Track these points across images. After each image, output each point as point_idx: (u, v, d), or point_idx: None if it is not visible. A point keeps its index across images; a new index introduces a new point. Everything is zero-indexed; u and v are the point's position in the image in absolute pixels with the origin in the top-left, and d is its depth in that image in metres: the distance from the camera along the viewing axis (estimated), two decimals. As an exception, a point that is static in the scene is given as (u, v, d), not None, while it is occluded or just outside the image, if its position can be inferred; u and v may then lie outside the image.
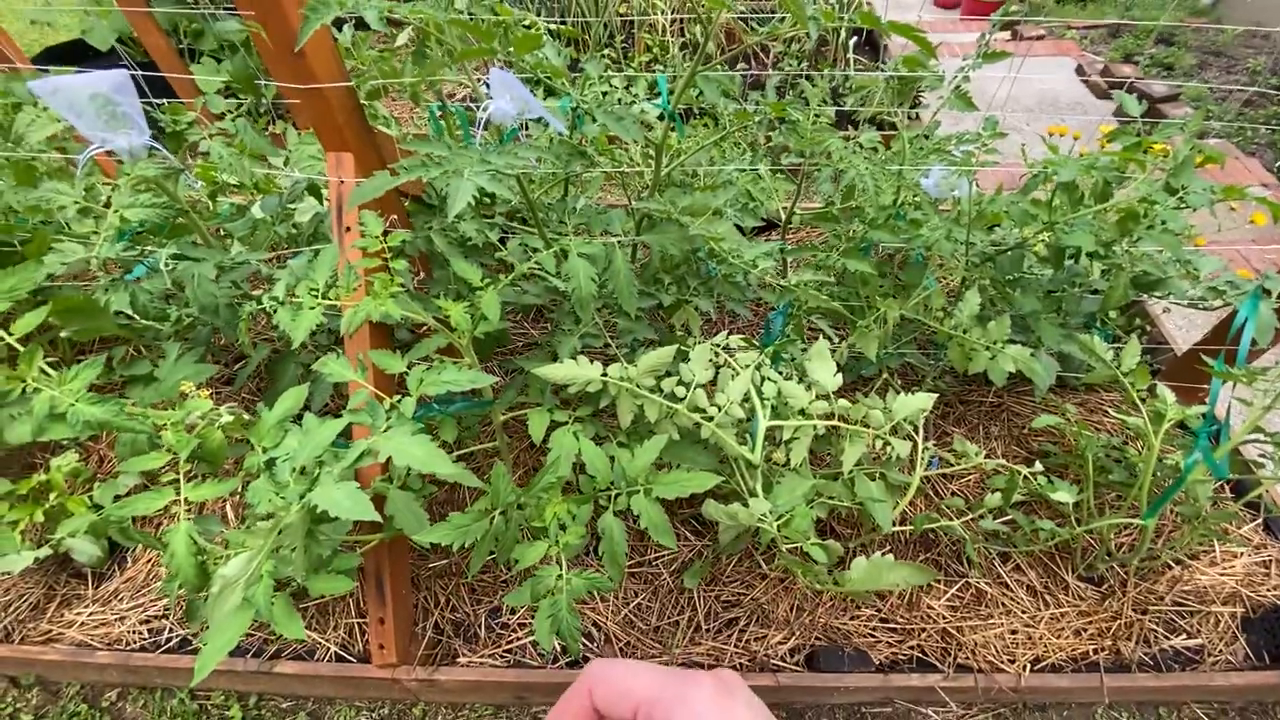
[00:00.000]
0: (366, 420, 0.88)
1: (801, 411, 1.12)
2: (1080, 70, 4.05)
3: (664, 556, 1.49)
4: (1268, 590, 1.45)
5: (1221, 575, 1.46)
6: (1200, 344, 1.63)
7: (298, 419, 0.92)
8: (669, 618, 1.42)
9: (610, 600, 1.44)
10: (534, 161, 0.86)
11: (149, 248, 1.31)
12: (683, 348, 1.22)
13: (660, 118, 1.07)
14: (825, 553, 1.10)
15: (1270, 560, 1.49)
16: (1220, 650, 1.38)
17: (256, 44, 0.99)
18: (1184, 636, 1.40)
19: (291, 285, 0.97)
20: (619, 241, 1.03)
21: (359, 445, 0.83)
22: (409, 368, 0.99)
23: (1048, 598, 1.43)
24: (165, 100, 1.23)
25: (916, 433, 1.24)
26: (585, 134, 1.03)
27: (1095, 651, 1.37)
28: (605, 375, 1.09)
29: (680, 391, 1.12)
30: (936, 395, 1.13)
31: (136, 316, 1.26)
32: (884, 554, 1.06)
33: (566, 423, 1.15)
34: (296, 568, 0.81)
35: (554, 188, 1.18)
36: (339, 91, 1.04)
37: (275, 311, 0.95)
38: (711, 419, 1.12)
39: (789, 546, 1.11)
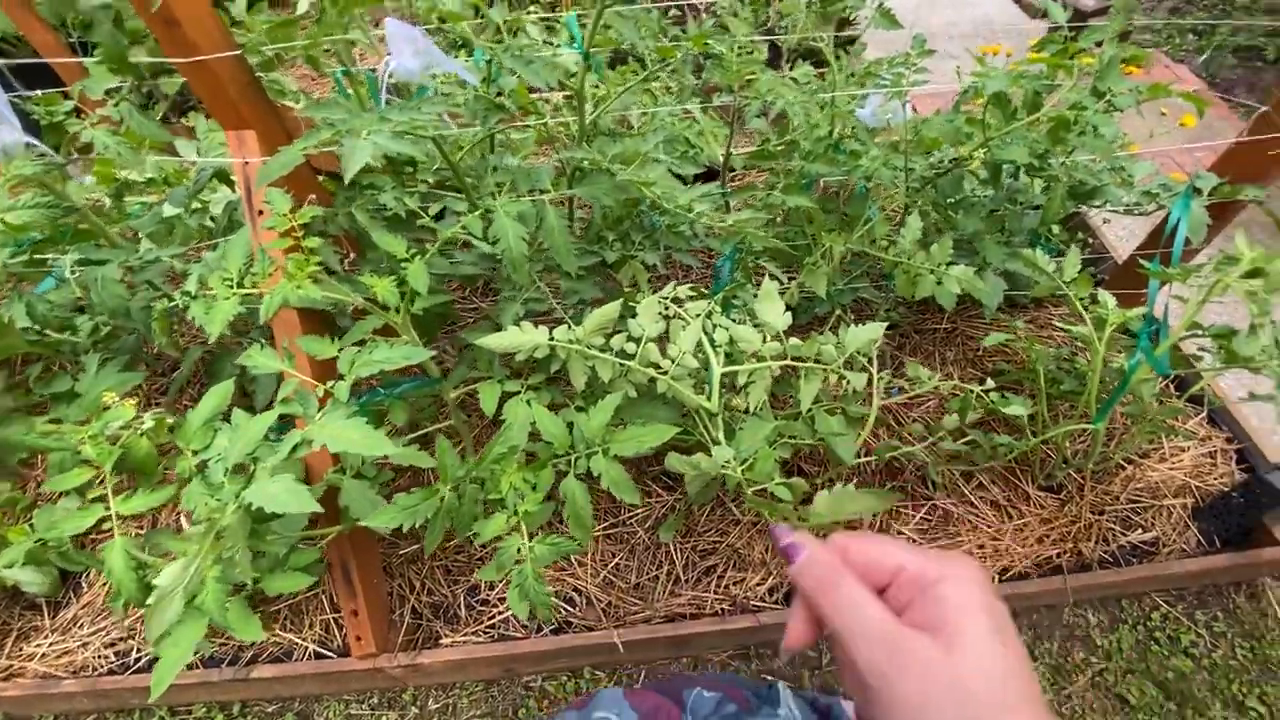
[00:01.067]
0: (299, 410, 0.84)
1: (755, 355, 1.11)
2: (1013, -10, 4.03)
3: (638, 515, 1.49)
4: (1214, 479, 1.51)
5: (1171, 470, 1.52)
6: (1140, 249, 1.66)
7: (228, 417, 0.88)
8: (648, 574, 1.43)
9: (589, 564, 1.44)
10: (444, 117, 0.81)
11: (52, 255, 1.22)
12: (630, 303, 1.19)
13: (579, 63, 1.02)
14: (790, 491, 1.10)
15: (1215, 451, 1.55)
16: (1174, 540, 1.45)
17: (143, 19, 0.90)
18: (1140, 531, 1.46)
19: (204, 277, 0.91)
20: (549, 198, 0.98)
21: (293, 436, 0.79)
22: (341, 351, 0.94)
23: (1011, 510, 1.48)
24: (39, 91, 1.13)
25: (871, 364, 1.25)
26: (503, 86, 0.97)
27: (1058, 555, 1.42)
28: (552, 339, 1.05)
29: (631, 348, 1.09)
30: (887, 325, 1.13)
31: (48, 330, 1.18)
32: (845, 485, 1.06)
33: (519, 392, 1.12)
34: (243, 570, 0.77)
35: (478, 147, 1.12)
36: (226, 63, 0.96)
37: (188, 307, 0.89)
38: (665, 372, 1.10)
39: (755, 489, 1.11)
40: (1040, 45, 1.25)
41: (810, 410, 1.25)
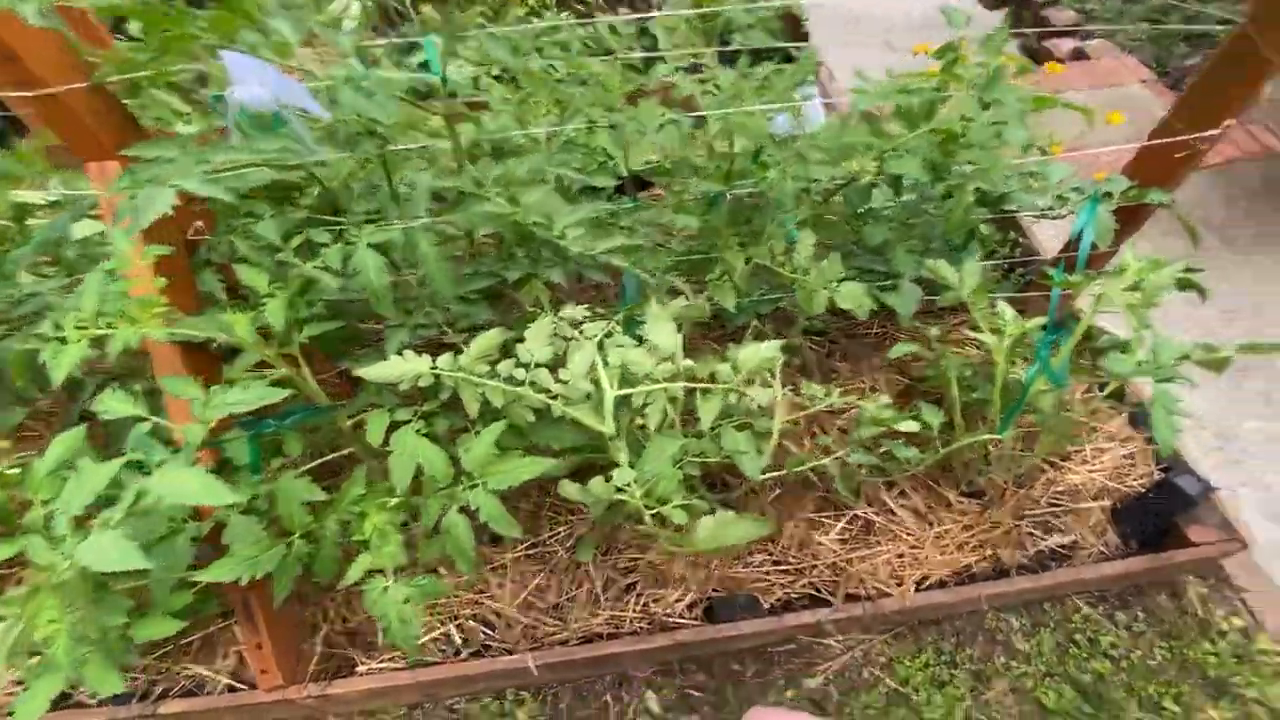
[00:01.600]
0: (142, 456, 0.81)
1: (648, 376, 1.09)
2: (967, -19, 4.01)
3: (559, 534, 1.48)
4: (1134, 480, 1.52)
5: (1091, 473, 1.52)
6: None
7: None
8: (567, 593, 1.42)
9: (508, 585, 1.42)
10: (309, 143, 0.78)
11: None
12: (530, 325, 1.17)
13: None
14: (688, 513, 1.09)
15: (1134, 452, 1.56)
16: (1092, 544, 1.45)
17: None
18: (1059, 535, 1.46)
19: (58, 319, 0.88)
20: (421, 225, 0.96)
21: (133, 488, 0.76)
22: (210, 390, 0.91)
23: (932, 518, 1.48)
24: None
25: (774, 378, 1.23)
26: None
27: (977, 563, 1.42)
28: (435, 367, 1.03)
29: (521, 374, 1.07)
30: (783, 343, 1.12)
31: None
32: (726, 512, 1.05)
33: (410, 421, 1.10)
34: (87, 626, 0.75)
35: (368, 172, 1.09)
36: (78, 95, 0.93)
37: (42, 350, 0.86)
38: (556, 397, 1.08)
39: (652, 511, 1.10)
40: (940, 53, 1.24)
41: (715, 428, 1.24)
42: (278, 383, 1.00)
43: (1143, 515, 1.42)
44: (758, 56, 2.40)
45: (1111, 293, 0.99)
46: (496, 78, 1.12)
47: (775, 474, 1.28)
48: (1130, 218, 1.45)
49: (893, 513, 1.49)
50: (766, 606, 1.38)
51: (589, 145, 1.38)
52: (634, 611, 1.38)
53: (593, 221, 0.99)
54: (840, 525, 1.47)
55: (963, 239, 1.67)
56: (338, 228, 0.90)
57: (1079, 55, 3.47)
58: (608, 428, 1.10)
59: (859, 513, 1.48)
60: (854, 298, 1.09)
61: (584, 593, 1.41)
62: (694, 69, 1.38)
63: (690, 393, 1.20)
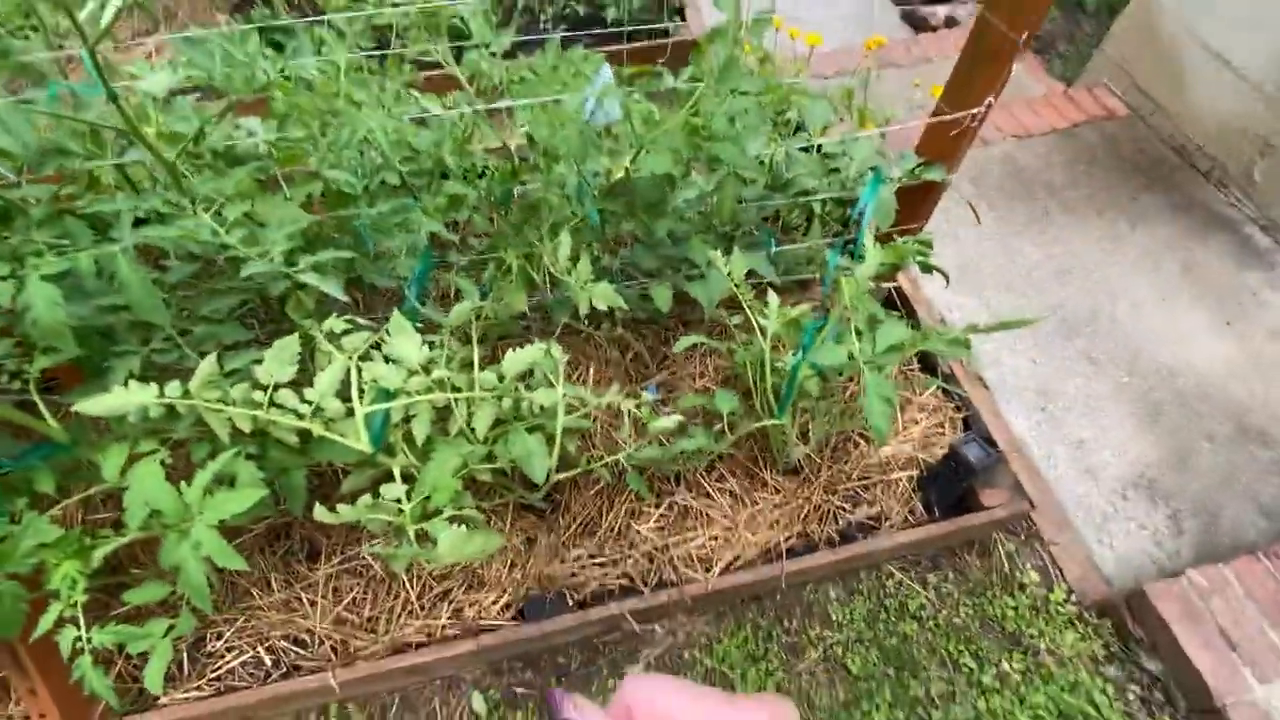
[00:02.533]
0: None
1: (396, 392, 1.06)
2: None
3: (377, 545, 1.46)
4: (940, 449, 1.58)
5: (901, 444, 1.58)
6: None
7: None
8: (383, 605, 1.40)
9: (320, 603, 1.40)
10: None
11: None
12: (307, 338, 1.13)
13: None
14: (450, 539, 1.08)
15: (944, 420, 1.62)
16: (897, 513, 1.51)
17: None
18: (867, 507, 1.51)
19: None
20: (121, 248, 0.90)
21: None
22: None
23: (747, 499, 1.51)
24: None
25: (557, 378, 1.23)
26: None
27: (786, 540, 1.47)
28: (163, 397, 0.98)
29: (259, 396, 1.03)
30: (550, 343, 1.11)
31: None
32: (460, 528, 1.04)
33: (154, 451, 1.05)
34: None
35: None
36: None
37: None
38: (304, 417, 1.05)
39: (417, 529, 1.09)
40: (710, 37, 1.22)
41: (503, 433, 1.22)
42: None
43: (942, 484, 1.48)
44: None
45: (855, 282, 1.01)
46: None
47: (568, 474, 1.28)
48: (925, 195, 1.48)
49: (710, 496, 1.51)
50: (579, 600, 1.39)
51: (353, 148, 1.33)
52: (446, 618, 1.37)
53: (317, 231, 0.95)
54: (658, 513, 1.49)
55: (788, 216, 1.69)
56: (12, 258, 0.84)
57: (951, 22, 3.53)
58: (364, 445, 1.07)
59: (677, 499, 1.50)
60: (606, 297, 1.09)
61: (399, 603, 1.40)
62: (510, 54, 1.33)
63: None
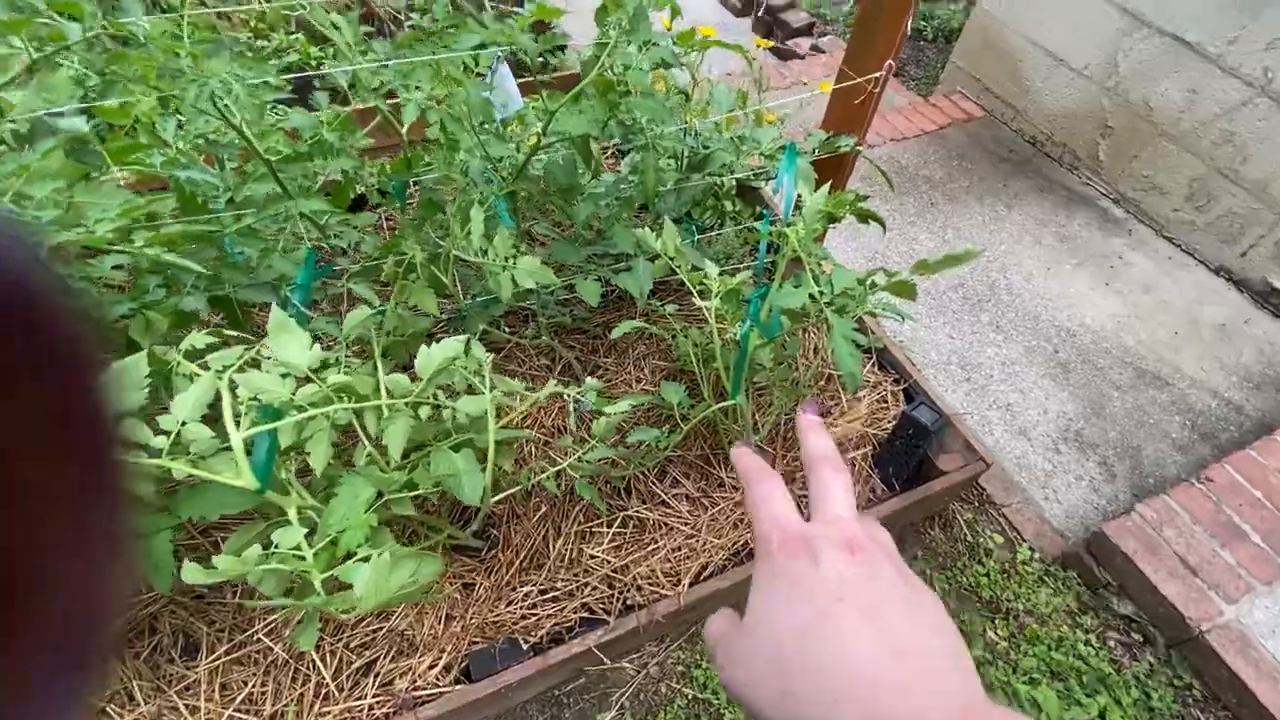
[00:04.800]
0: None
1: (283, 408, 0.87)
2: (711, -9, 4.24)
3: (269, 625, 1.19)
4: (889, 423, 1.54)
5: (850, 422, 1.52)
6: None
7: None
8: (289, 695, 1.13)
9: (203, 707, 1.11)
10: None
11: None
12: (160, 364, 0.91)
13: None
14: (366, 571, 0.87)
15: (886, 394, 1.59)
16: (858, 493, 1.44)
17: None
18: (828, 492, 1.43)
19: None
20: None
21: None
22: None
23: (705, 501, 1.39)
24: None
25: (484, 382, 1.06)
26: None
27: (752, 538, 1.34)
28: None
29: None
30: (470, 339, 0.96)
31: None
32: (382, 556, 0.85)
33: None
34: None
35: None
36: None
37: None
38: (162, 454, 0.82)
39: (326, 578, 0.87)
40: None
41: (424, 455, 1.04)
42: None
43: (897, 454, 1.43)
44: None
45: (801, 228, 0.94)
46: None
47: (504, 494, 1.10)
48: (836, 167, 1.48)
49: (666, 504, 1.37)
50: (535, 644, 1.19)
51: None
52: (373, 695, 1.13)
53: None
54: (612, 532, 1.33)
55: (699, 213, 1.64)
56: None
57: (816, 50, 3.81)
58: (247, 481, 0.86)
59: (631, 512, 1.35)
60: (533, 271, 0.96)
61: (311, 688, 1.14)
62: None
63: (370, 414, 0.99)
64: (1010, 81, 2.78)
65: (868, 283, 0.97)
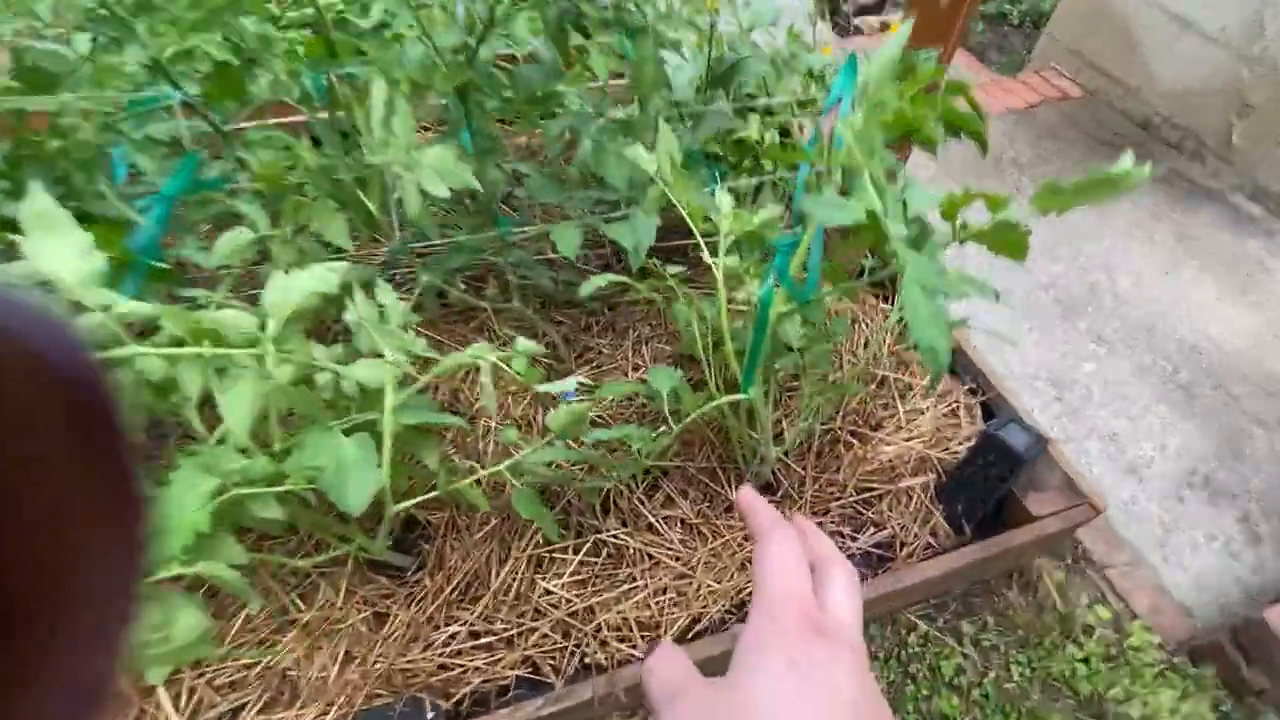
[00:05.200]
0: None
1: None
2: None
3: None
4: (958, 444, 1.17)
5: (908, 441, 1.16)
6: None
7: None
8: (121, 745, 0.85)
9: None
10: None
11: None
12: None
13: None
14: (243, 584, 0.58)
15: (957, 407, 1.22)
16: (915, 535, 1.07)
17: None
18: (872, 531, 1.07)
19: None
20: None
21: None
22: None
23: (705, 529, 1.05)
24: None
25: (383, 332, 0.76)
26: None
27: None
28: None
29: None
30: (422, 291, 0.66)
31: None
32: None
33: None
34: None
35: None
36: None
37: None
38: None
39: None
40: None
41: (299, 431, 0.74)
42: None
43: (970, 489, 1.06)
44: None
45: (853, 122, 0.60)
46: None
47: (411, 502, 0.80)
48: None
49: (654, 529, 1.04)
50: (451, 708, 0.88)
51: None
52: (226, 761, 0.83)
53: None
54: (577, 560, 1.00)
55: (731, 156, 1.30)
56: None
57: (885, 26, 3.46)
58: None
59: (605, 536, 1.02)
60: (446, 171, 0.64)
61: (151, 739, 0.85)
62: None
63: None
64: (1120, 54, 2.34)
65: (956, 220, 0.63)
